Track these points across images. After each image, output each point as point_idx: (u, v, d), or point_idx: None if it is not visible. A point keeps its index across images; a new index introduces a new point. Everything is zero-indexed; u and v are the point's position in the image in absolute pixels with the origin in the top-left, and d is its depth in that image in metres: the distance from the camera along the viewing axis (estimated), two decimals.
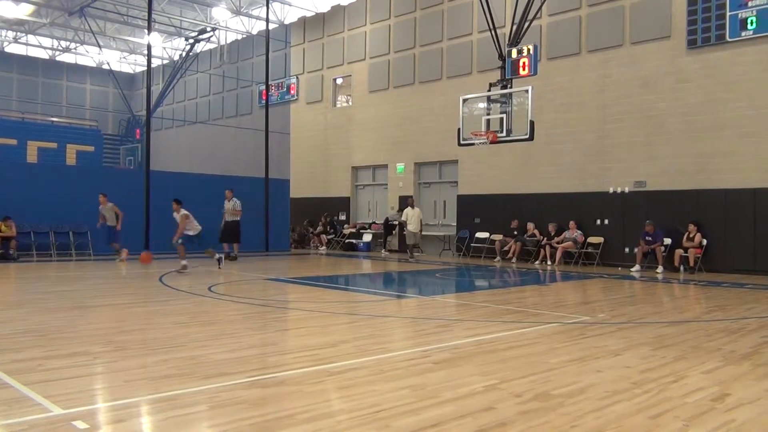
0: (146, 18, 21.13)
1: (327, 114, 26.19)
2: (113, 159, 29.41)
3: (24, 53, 30.39)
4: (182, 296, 10.33)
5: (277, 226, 22.03)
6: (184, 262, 14.16)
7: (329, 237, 23.83)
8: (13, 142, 21.21)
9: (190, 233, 14.29)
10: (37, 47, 30.49)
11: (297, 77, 26.82)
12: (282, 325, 8.09)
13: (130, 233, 18.08)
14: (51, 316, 7.96)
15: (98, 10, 24.03)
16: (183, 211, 14.18)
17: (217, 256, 14.82)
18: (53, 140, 23.80)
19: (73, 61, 32.56)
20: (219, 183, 20.45)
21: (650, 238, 15.97)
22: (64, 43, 30.14)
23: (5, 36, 26.53)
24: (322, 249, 23.14)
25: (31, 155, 22.90)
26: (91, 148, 25.05)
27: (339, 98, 26.25)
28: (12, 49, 28.83)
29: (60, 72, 32.52)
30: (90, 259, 17.16)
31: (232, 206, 17.38)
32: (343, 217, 24.85)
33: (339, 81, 26.06)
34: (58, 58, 32.23)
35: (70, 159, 23.88)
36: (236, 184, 21.00)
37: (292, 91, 26.69)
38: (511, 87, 14.61)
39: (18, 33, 28.09)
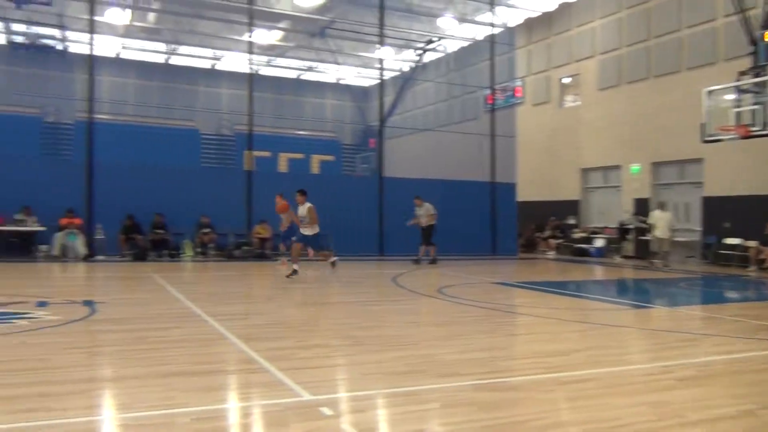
0: (379, 34, 22.45)
1: (554, 115, 25.50)
2: (351, 167, 31.65)
3: (274, 75, 34.03)
4: (414, 297, 10.77)
5: (503, 229, 21.97)
6: (296, 266, 12.53)
7: (558, 241, 23.14)
8: (267, 154, 23.82)
9: (308, 232, 12.79)
10: (284, 68, 33.99)
11: (522, 79, 26.52)
12: (511, 329, 8.04)
13: (365, 236, 19.36)
14: (298, 311, 8.80)
15: (337, 31, 26.08)
16: (308, 204, 12.85)
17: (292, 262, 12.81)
18: (300, 151, 26.32)
19: (314, 79, 35.73)
20: (447, 188, 20.99)
21: None
22: (307, 64, 33.22)
23: (259, 60, 30.02)
24: (551, 254, 22.54)
25: (282, 165, 25.57)
26: (331, 158, 27.23)
27: (566, 98, 25.43)
28: (264, 71, 32.44)
29: (303, 89, 35.86)
30: None
31: (425, 211, 17.44)
32: (572, 221, 23.98)
33: (566, 80, 25.25)
34: (302, 77, 35.59)
35: (315, 168, 26.19)
36: (463, 188, 21.43)
37: (517, 94, 26.45)
38: (766, 75, 12.98)
39: (270, 57, 31.57)
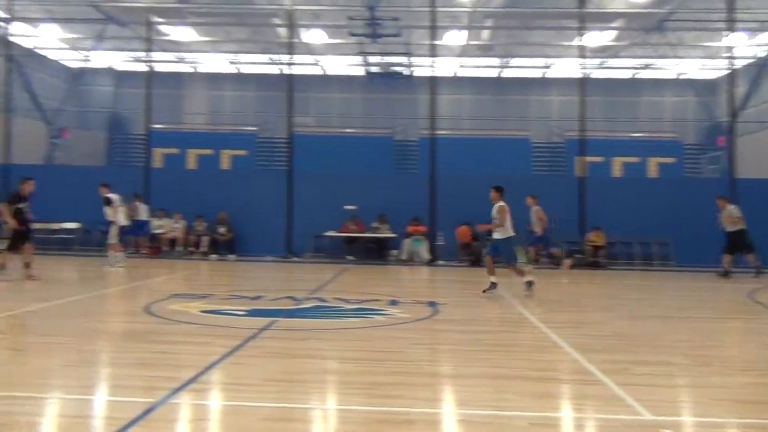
0: (728, 19, 20.11)
1: None
2: (695, 168, 28.85)
3: (606, 77, 32.79)
4: None
5: None
6: (528, 277, 10.51)
7: None
8: (600, 159, 23.12)
9: (498, 236, 10.54)
10: (617, 69, 32.53)
11: None
12: None
13: (712, 243, 17.42)
14: (635, 323, 8.35)
15: (677, 22, 24.11)
16: (501, 203, 10.45)
17: (525, 279, 10.78)
18: (636, 154, 24.99)
19: (651, 77, 33.44)
20: None
21: None
22: (643, 61, 31.30)
23: (591, 64, 29.24)
24: None
25: (616, 170, 24.58)
26: (672, 160, 25.26)
27: None
28: (596, 74, 31.44)
29: (639, 88, 33.78)
30: (672, 270, 17.22)
31: (726, 215, 14.77)
32: None
33: None
34: (637, 76, 33.61)
35: (652, 171, 24.60)
36: None
37: None
38: None
39: (602, 59, 30.58)
